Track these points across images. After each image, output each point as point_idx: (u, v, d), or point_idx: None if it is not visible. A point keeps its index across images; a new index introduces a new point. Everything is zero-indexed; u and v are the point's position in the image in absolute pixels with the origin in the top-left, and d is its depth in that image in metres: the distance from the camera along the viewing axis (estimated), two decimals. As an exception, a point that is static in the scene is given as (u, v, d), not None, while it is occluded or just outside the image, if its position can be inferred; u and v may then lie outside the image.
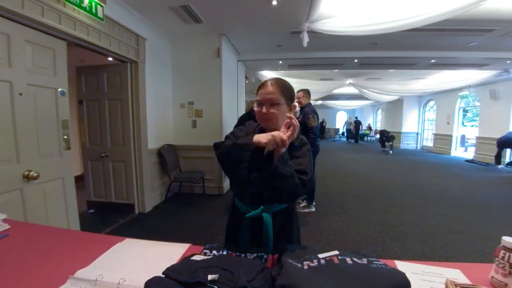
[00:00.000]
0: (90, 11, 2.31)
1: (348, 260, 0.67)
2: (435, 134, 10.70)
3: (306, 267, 0.67)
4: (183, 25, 3.54)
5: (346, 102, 15.01)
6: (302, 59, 5.39)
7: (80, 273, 0.74)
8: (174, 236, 2.71)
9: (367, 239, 2.68)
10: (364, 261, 0.67)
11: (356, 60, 5.52)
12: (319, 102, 13.58)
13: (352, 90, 9.23)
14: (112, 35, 2.69)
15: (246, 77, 6.78)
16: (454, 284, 0.53)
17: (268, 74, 7.40)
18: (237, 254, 0.84)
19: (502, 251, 0.71)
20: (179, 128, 4.21)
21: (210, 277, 0.61)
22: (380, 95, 9.21)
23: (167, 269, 0.66)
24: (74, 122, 3.86)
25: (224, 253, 0.85)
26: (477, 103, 8.70)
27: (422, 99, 11.55)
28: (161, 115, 3.87)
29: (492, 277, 0.73)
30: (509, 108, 7.24)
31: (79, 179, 3.72)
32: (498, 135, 7.50)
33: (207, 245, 0.90)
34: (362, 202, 3.90)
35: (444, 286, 0.55)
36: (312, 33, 3.51)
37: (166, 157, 3.71)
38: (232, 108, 4.91)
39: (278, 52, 5.00)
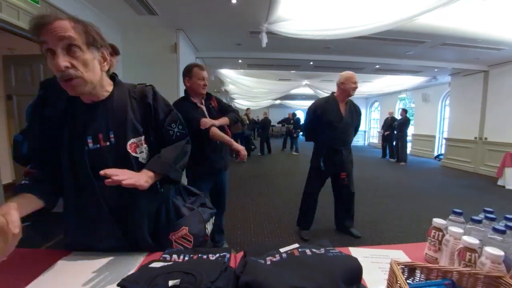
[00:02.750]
0: (19, -8, 2.00)
1: (308, 251, 0.71)
2: (379, 132, 11.94)
3: (268, 262, 0.68)
4: (136, 16, 3.30)
5: (303, 102, 15.76)
6: (261, 59, 5.49)
7: (13, 295, 0.63)
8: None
9: (324, 230, 2.87)
10: (322, 250, 0.72)
11: (311, 63, 5.83)
12: (278, 101, 14.01)
13: (308, 90, 9.74)
14: (49, 21, 2.36)
15: (205, 75, 6.62)
16: (397, 263, 0.60)
17: (227, 73, 7.36)
18: (199, 255, 0.82)
19: (433, 231, 0.83)
20: (132, 128, 3.91)
21: (171, 283, 0.58)
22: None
23: (123, 280, 0.61)
24: (1, 120, 3.31)
25: (186, 257, 0.82)
26: (413, 105, 9.98)
27: (369, 100, 12.79)
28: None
29: (426, 253, 0.85)
30: (437, 109, 8.49)
31: (8, 188, 3.20)
32: (429, 132, 8.75)
33: (166, 250, 0.86)
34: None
35: (389, 265, 0.61)
36: (270, 34, 3.59)
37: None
38: (191, 107, 4.75)
39: (238, 50, 5.00)
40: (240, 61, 5.84)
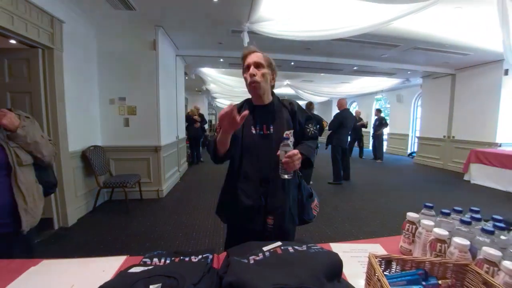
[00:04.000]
0: (-21, -20, 1.84)
1: (290, 249, 0.72)
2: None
3: (252, 261, 0.68)
4: (112, 10, 3.15)
5: (285, 102, 15.95)
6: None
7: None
8: (107, 249, 2.40)
9: (306, 227, 2.92)
10: (304, 247, 0.73)
11: (292, 63, 5.92)
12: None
13: (290, 90, 9.87)
14: (16, 12, 2.19)
15: (185, 73, 6.49)
16: (375, 257, 0.62)
17: (209, 71, 7.27)
18: (181, 258, 0.80)
19: (407, 224, 0.88)
20: (108, 127, 3.73)
21: (152, 287, 0.56)
22: (313, 96, 10.12)
23: (100, 287, 0.58)
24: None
25: (168, 260, 0.79)
26: (388, 105, 10.46)
27: (347, 100, 13.21)
28: (85, 112, 3.36)
29: (401, 246, 0.90)
30: (410, 109, 8.97)
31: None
32: (403, 131, 9.21)
33: (146, 254, 0.83)
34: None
35: (367, 259, 0.64)
36: (252, 33, 3.60)
37: (93, 160, 3.25)
38: (171, 105, 4.64)
39: (219, 49, 4.95)
40: (221, 60, 5.79)
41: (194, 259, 0.79)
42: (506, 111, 5.40)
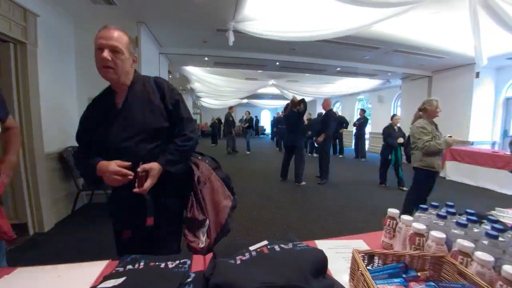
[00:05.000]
0: None
1: (276, 247, 0.72)
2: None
3: (238, 261, 0.68)
4: (91, 5, 3.02)
5: (270, 101, 16.05)
6: (228, 58, 5.45)
7: None
8: (86, 254, 2.29)
9: (292, 225, 2.96)
10: (290, 245, 0.74)
11: (277, 63, 5.96)
12: (245, 100, 14.05)
13: (275, 90, 9.94)
14: (-18, 5, 2.05)
15: (169, 72, 6.36)
16: (358, 252, 0.64)
17: (193, 70, 7.16)
18: (156, 263, 0.76)
19: (388, 220, 0.91)
20: (88, 127, 3.58)
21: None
22: (299, 97, 10.25)
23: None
24: None
25: (142, 263, 0.76)
26: (370, 105, 10.81)
27: (331, 100, 13.52)
28: (63, 110, 3.20)
29: (383, 241, 0.93)
30: (390, 109, 9.31)
31: None
32: (383, 130, 9.54)
33: (121, 259, 0.79)
34: (285, 192, 4.27)
35: (351, 254, 0.66)
36: (237, 33, 3.59)
37: (71, 162, 3.10)
38: (155, 105, 4.52)
39: (204, 48, 4.90)
40: (206, 58, 5.73)
41: (170, 264, 0.76)
42: (477, 111, 5.75)
